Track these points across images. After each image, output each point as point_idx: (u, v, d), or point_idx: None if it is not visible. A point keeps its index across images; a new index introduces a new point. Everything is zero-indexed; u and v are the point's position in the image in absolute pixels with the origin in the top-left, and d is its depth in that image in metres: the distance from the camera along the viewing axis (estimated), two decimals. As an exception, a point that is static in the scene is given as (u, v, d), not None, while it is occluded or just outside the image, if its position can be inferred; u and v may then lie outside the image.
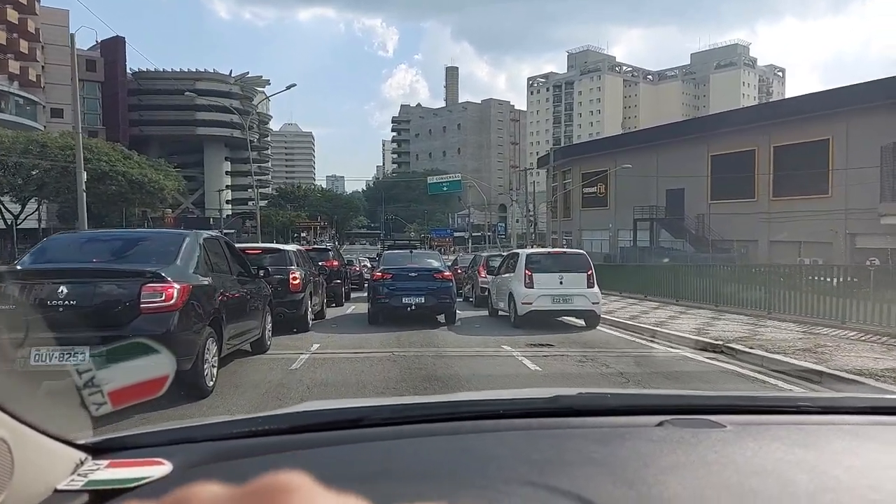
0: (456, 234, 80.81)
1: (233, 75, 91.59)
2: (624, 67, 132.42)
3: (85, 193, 18.76)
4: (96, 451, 1.07)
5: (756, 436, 1.07)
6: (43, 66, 65.26)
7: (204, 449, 1.07)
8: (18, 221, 41.80)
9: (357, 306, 15.97)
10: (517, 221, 73.69)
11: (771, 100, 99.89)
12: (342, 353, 9.00)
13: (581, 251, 13.97)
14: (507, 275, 12.91)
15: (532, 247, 33.31)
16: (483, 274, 16.82)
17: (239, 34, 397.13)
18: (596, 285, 12.01)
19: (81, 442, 1.06)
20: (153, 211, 44.69)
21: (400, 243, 43.20)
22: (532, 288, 11.62)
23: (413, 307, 12.08)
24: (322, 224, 74.93)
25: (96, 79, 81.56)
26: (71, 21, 77.51)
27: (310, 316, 11.42)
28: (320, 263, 14.92)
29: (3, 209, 41.78)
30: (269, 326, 8.77)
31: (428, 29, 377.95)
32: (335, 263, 16.65)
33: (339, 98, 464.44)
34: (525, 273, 11.72)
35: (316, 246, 21.03)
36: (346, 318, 14.15)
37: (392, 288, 12.15)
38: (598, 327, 12.06)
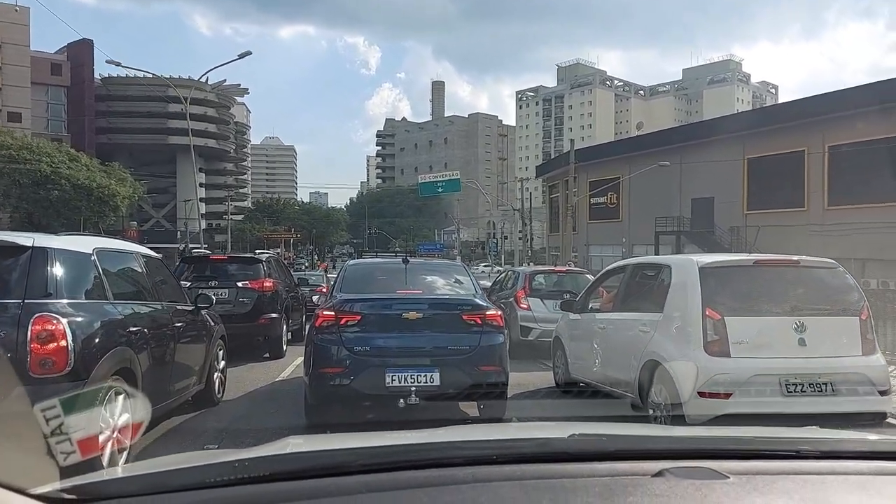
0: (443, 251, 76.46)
1: (209, 83, 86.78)
2: (615, 82, 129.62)
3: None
4: (61, 502, 0.94)
5: (762, 489, 1.05)
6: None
7: (178, 500, 0.99)
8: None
9: None
10: (505, 238, 68.98)
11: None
12: None
13: (831, 262, 5.46)
14: (622, 315, 6.14)
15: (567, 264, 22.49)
16: (524, 303, 10.73)
17: (220, 50, 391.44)
18: (878, 346, 5.26)
19: (43, 491, 0.93)
20: (104, 221, 39.05)
21: (385, 255, 34.67)
22: (728, 356, 4.74)
23: (413, 397, 5.07)
24: (297, 237, 69.59)
25: (62, 83, 76.94)
26: (32, 24, 72.58)
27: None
28: (241, 285, 9.24)
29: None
30: None
31: (409, 48, 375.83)
32: (269, 284, 9.73)
33: (322, 115, 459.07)
34: (705, 315, 4.82)
35: (234, 254, 14.49)
36: (270, 397, 7.18)
37: (360, 350, 5.27)
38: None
